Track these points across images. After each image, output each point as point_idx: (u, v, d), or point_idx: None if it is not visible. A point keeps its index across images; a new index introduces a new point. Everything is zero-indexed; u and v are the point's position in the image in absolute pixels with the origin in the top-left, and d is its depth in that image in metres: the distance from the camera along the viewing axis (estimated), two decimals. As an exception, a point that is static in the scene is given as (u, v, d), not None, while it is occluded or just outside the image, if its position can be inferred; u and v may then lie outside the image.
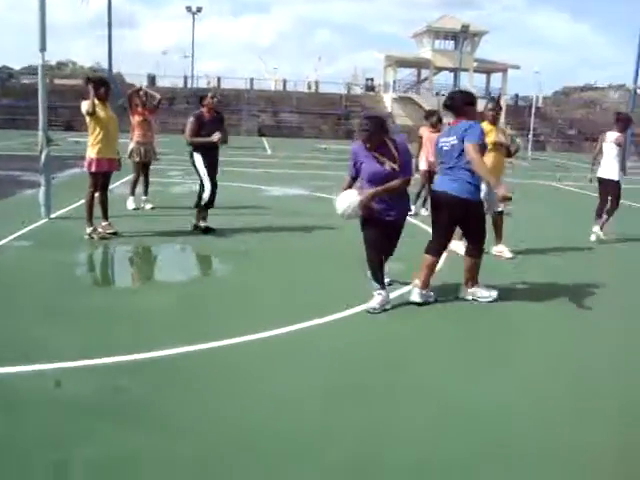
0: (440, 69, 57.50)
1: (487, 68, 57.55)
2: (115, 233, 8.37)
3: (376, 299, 5.79)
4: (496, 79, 59.03)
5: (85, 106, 7.91)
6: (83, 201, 8.42)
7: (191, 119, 8.57)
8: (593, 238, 9.54)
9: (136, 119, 10.43)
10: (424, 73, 59.17)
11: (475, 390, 4.28)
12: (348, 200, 5.65)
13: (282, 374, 4.42)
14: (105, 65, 42.56)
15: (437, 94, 55.59)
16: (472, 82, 56.40)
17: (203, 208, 8.80)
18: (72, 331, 5.04)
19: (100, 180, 8.20)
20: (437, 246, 6.08)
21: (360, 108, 53.47)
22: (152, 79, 52.48)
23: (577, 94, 73.51)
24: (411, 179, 5.81)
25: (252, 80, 53.60)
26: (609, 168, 9.47)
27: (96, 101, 7.97)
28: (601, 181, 9.69)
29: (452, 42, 56.02)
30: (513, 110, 57.27)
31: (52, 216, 9.35)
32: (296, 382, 4.31)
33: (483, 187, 6.00)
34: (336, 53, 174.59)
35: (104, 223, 8.38)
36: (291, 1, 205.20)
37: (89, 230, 8.18)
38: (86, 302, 5.78)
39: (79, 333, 5.00)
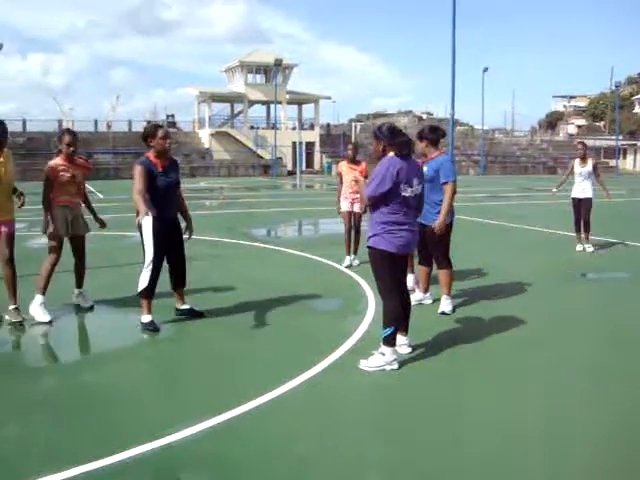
0: (253, 102, 58.15)
1: (299, 99, 59.07)
2: (22, 323, 6.29)
3: (387, 357, 5.03)
4: (307, 109, 60.82)
5: None
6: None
7: (138, 168, 5.97)
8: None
9: (63, 176, 6.64)
10: (237, 107, 59.49)
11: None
12: None
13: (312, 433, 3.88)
14: None
15: (252, 127, 56.22)
16: (286, 114, 57.73)
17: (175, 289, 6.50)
18: (29, 431, 4.05)
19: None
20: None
21: (177, 145, 52.49)
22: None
23: (370, 121, 77.89)
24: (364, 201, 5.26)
25: (60, 122, 50.57)
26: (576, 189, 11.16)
27: None
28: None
29: (264, 76, 56.98)
30: (327, 139, 59.48)
31: None
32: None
33: None
34: (133, 91, 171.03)
35: (12, 307, 6.33)
36: (84, 39, 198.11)
37: (12, 307, 6.32)
38: (33, 389, 4.73)
39: (42, 433, 4.01)
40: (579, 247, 10.98)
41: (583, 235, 11.00)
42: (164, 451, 3.68)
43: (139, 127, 56.13)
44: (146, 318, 6.14)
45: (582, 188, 10.99)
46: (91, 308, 7.03)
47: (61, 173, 6.63)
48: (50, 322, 6.40)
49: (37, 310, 6.46)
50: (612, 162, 63.37)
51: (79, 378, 4.98)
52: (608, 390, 4.70)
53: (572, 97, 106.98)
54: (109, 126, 56.76)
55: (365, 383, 4.81)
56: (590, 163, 10.96)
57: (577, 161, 11.10)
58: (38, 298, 6.51)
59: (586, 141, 13.12)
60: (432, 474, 3.46)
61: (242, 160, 52.80)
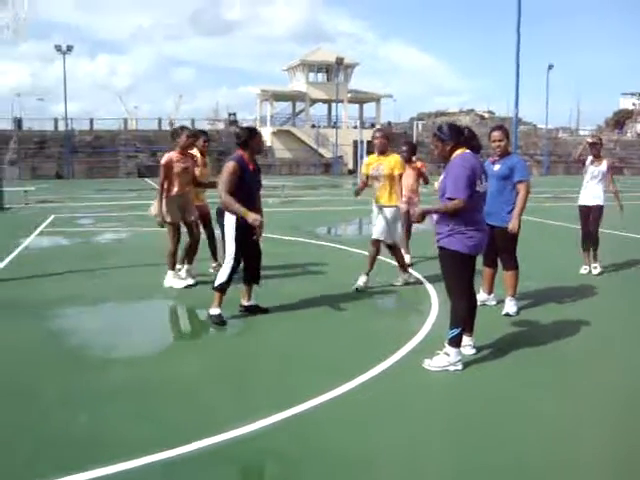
0: (315, 101, 58.42)
1: (360, 98, 59.03)
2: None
3: (452, 358, 5.05)
4: (368, 108, 60.73)
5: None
6: None
7: (231, 165, 6.14)
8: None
9: (178, 167, 7.66)
10: (299, 106, 59.83)
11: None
12: None
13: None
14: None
15: (313, 126, 56.46)
16: (347, 112, 57.79)
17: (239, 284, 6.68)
18: (99, 419, 4.25)
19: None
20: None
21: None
22: (18, 122, 49.36)
23: (431, 120, 76.96)
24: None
25: (126, 120, 51.82)
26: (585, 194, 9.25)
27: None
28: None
29: (325, 74, 57.19)
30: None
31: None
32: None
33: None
34: (196, 90, 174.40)
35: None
36: (149, 40, 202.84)
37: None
38: (102, 378, 4.93)
39: (111, 421, 4.21)
40: (584, 269, 9.09)
41: (591, 252, 9.07)
42: (228, 446, 3.78)
43: (201, 125, 57.10)
44: (215, 311, 6.36)
45: (593, 193, 9.09)
46: (195, 285, 7.93)
47: (176, 164, 7.65)
48: (195, 284, 7.88)
49: (173, 281, 7.84)
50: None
51: (147, 369, 5.19)
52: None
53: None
54: (172, 124, 57.82)
55: (429, 383, 4.84)
56: (605, 163, 9.16)
57: (589, 160, 9.19)
58: (170, 273, 7.87)
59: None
60: (494, 470, 3.49)
61: (303, 158, 53.12)
